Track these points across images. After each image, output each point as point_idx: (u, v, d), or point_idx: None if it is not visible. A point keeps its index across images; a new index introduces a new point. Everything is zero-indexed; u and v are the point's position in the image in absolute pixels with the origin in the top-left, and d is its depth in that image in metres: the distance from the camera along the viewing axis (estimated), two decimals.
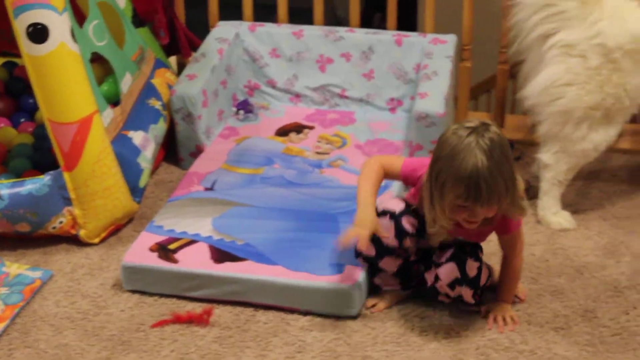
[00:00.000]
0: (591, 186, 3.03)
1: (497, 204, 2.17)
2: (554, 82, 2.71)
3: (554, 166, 2.81)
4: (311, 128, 3.23)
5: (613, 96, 2.68)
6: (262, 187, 2.87)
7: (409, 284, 2.47)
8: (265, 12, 3.66)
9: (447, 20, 3.75)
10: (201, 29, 3.50)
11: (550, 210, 2.84)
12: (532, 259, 2.65)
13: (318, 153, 3.07)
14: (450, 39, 3.31)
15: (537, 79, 2.76)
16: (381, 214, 2.34)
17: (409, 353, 2.30)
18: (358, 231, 2.25)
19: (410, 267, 2.45)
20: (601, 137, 2.76)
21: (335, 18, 4.55)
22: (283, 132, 3.21)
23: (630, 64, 2.66)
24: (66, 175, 2.65)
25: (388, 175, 2.38)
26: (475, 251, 2.36)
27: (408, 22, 3.79)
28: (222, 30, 3.41)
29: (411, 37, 3.32)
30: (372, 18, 5.13)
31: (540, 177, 2.86)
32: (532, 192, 2.89)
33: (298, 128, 3.23)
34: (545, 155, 2.82)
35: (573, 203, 2.91)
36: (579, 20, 2.67)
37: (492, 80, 4.02)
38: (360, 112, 3.31)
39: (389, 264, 2.40)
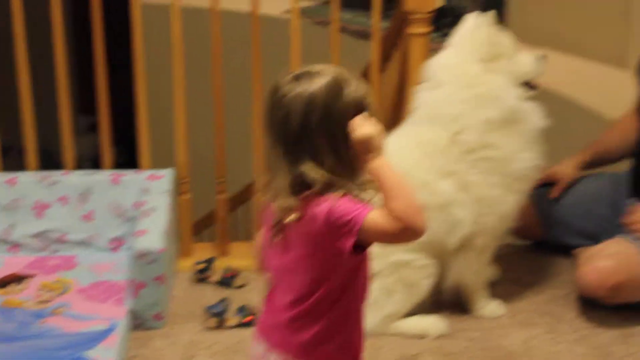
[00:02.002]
0: None
1: None
2: None
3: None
4: (32, 277, 3.15)
5: None
6: None
7: None
8: None
9: (165, 154, 3.80)
10: None
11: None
12: None
13: (40, 302, 3.00)
14: (167, 174, 3.35)
15: None
16: None
17: None
18: None
19: None
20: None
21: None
22: (2, 284, 3.11)
23: None
24: None
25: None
26: None
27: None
28: None
29: (127, 175, 3.33)
30: None
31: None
32: None
33: (18, 278, 3.14)
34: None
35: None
36: None
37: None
38: (82, 255, 3.26)
39: None
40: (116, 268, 3.18)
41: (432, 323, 2.92)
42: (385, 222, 1.79)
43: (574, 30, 4.69)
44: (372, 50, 3.46)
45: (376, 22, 3.42)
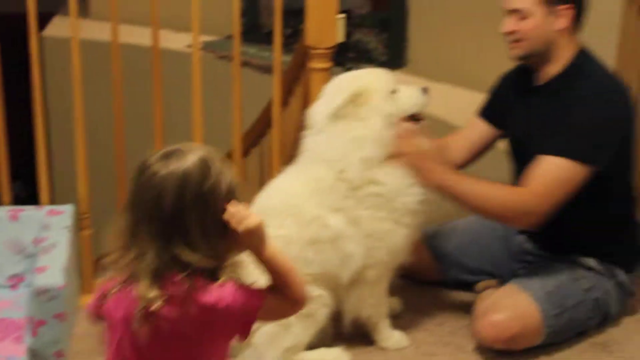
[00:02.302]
0: None
1: None
2: None
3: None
4: None
5: None
6: None
7: None
8: None
9: (67, 189, 3.76)
10: None
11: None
12: None
13: None
14: (67, 209, 3.30)
15: None
16: None
17: None
18: None
19: None
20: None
21: None
22: None
23: None
24: None
25: None
26: None
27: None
28: None
29: (26, 211, 3.28)
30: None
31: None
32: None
33: None
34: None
35: None
36: None
37: None
38: None
39: None
40: (15, 305, 3.12)
41: (335, 356, 2.93)
42: (283, 308, 1.84)
43: (473, 64, 4.81)
44: (274, 84, 3.49)
45: (277, 56, 3.45)
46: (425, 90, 3.02)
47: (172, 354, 1.87)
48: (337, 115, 2.89)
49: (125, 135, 3.42)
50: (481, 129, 3.30)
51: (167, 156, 1.83)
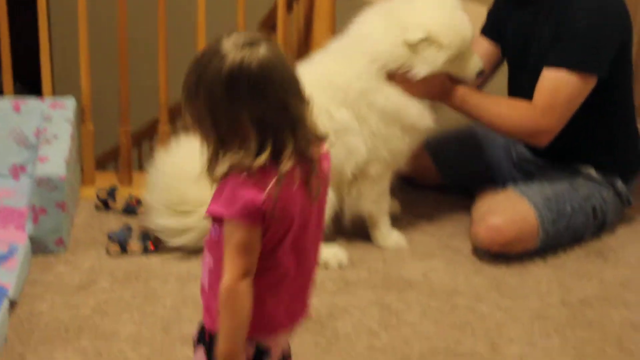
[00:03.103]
0: None
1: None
2: None
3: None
4: None
5: None
6: None
7: None
8: None
9: (70, 80, 3.76)
10: None
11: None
12: (164, 310, 2.69)
13: None
14: (69, 102, 3.30)
15: None
16: None
17: None
18: None
19: None
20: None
21: None
22: None
23: None
24: None
25: None
26: None
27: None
28: None
29: (29, 102, 3.28)
30: None
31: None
32: None
33: None
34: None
35: None
36: None
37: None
38: None
39: None
40: (17, 194, 3.13)
41: (333, 253, 2.96)
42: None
43: None
44: None
45: None
46: (480, 74, 3.03)
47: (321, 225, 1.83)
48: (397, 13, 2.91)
49: (128, 28, 3.39)
50: (485, 48, 3.27)
51: (244, 45, 1.67)
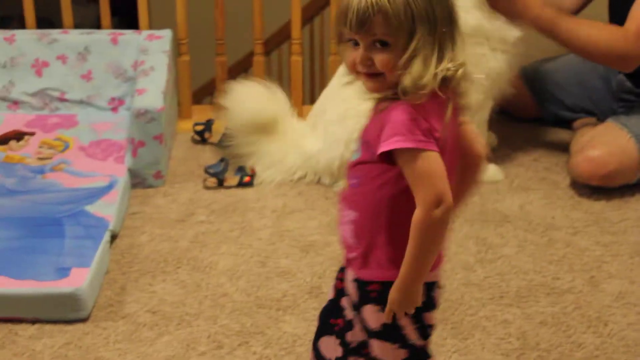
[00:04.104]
0: None
1: (374, 32, 1.59)
2: None
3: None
4: (32, 134, 3.15)
5: None
6: None
7: None
8: None
9: (166, 15, 3.77)
10: None
11: None
12: (260, 243, 2.72)
13: (40, 159, 3.01)
14: (166, 34, 3.31)
15: None
16: None
17: (141, 349, 2.30)
18: None
19: None
20: None
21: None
22: (2, 140, 3.11)
23: None
24: None
25: None
26: None
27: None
28: None
29: (126, 34, 3.30)
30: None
31: None
32: None
33: (18, 135, 3.14)
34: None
35: None
36: None
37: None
38: (82, 114, 3.25)
39: None
40: (116, 127, 3.17)
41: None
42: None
43: None
44: None
45: None
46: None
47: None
48: None
49: None
50: None
51: None
